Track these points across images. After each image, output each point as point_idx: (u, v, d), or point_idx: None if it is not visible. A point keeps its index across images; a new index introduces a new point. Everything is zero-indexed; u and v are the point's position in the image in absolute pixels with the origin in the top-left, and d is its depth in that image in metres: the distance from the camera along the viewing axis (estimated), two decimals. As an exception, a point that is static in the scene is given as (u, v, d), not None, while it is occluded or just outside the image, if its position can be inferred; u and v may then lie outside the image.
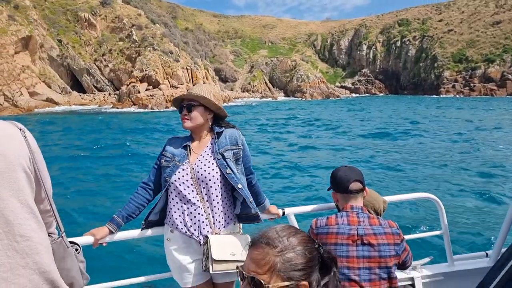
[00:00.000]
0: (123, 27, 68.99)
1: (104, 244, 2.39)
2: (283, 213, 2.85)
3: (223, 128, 2.47)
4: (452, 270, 3.16)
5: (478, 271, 3.04)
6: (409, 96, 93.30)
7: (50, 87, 61.33)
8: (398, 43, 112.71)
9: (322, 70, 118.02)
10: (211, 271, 2.22)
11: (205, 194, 2.35)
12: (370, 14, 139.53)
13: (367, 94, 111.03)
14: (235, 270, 2.02)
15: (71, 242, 1.84)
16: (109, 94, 65.20)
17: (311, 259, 1.18)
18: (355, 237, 2.10)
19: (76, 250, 1.86)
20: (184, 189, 2.33)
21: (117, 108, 54.36)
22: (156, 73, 59.65)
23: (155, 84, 58.95)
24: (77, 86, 66.70)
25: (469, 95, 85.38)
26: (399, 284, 2.17)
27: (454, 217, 7.90)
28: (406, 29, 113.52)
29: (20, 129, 1.55)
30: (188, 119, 2.40)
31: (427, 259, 3.08)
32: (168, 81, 61.04)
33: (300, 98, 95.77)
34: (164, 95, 56.75)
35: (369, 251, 2.08)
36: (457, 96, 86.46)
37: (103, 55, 66.81)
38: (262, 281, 1.13)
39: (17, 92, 53.48)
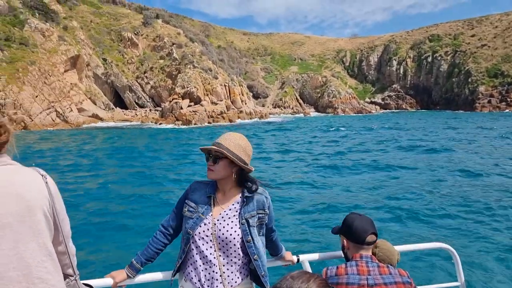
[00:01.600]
0: (164, 46, 71.65)
1: (123, 287, 2.48)
2: (298, 260, 2.86)
3: (253, 193, 2.39)
4: None
5: None
6: (448, 112, 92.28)
7: (95, 103, 64.02)
8: (429, 59, 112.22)
9: (351, 86, 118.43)
10: None
11: (223, 253, 2.33)
12: (399, 30, 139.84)
13: (397, 110, 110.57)
14: None
15: (86, 285, 1.96)
16: (150, 110, 67.48)
17: None
18: (365, 287, 2.09)
19: None
20: (203, 244, 2.32)
21: (161, 123, 56.22)
22: (197, 89, 61.54)
23: (197, 100, 60.75)
24: (119, 102, 69.34)
25: (505, 110, 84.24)
26: None
27: (471, 267, 7.40)
28: (438, 44, 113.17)
29: (42, 175, 1.66)
30: (212, 170, 2.34)
31: None
32: (208, 97, 62.82)
33: (332, 114, 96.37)
34: (206, 111, 58.44)
35: None
36: (493, 111, 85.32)
37: (144, 72, 69.40)
38: None
39: (67, 109, 56.13)
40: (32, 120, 49.85)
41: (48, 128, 49.61)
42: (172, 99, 60.24)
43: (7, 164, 1.59)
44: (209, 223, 2.32)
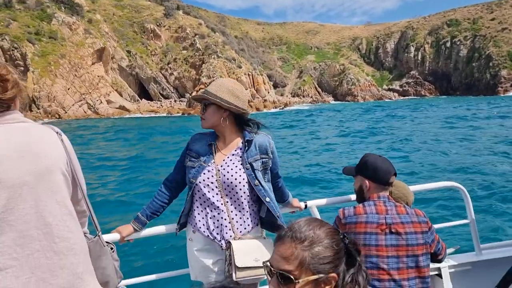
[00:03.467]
0: (186, 37, 71.95)
1: (131, 241, 2.44)
2: (305, 206, 2.82)
3: (253, 135, 2.34)
4: (480, 259, 3.07)
5: (507, 259, 3.00)
6: (479, 97, 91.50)
7: (121, 95, 64.74)
8: (448, 44, 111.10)
9: (368, 73, 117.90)
10: (234, 279, 2.17)
11: (230, 198, 2.29)
12: (415, 16, 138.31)
13: (416, 97, 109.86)
14: (258, 277, 2.22)
15: (106, 242, 1.93)
16: (175, 101, 68.01)
17: (338, 251, 1.19)
18: (383, 226, 2.10)
19: (111, 248, 1.94)
20: (209, 191, 2.28)
21: (189, 114, 56.70)
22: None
23: (223, 90, 61.10)
24: (143, 94, 69.93)
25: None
26: None
27: (481, 205, 7.52)
28: (456, 29, 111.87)
29: (57, 133, 1.62)
30: (203, 119, 2.32)
31: (453, 249, 3.03)
32: (234, 86, 63.16)
33: (352, 101, 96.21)
34: (233, 99, 58.94)
35: (397, 240, 2.08)
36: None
37: (168, 63, 69.85)
38: (292, 277, 1.15)
39: (97, 100, 56.94)
40: (66, 112, 50.75)
41: (80, 118, 50.41)
42: (199, 89, 60.61)
43: (20, 121, 1.53)
44: (212, 169, 2.28)
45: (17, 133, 1.48)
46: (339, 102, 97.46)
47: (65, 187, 1.57)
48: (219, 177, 2.26)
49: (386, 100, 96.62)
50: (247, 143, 2.31)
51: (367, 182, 2.30)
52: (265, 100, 66.37)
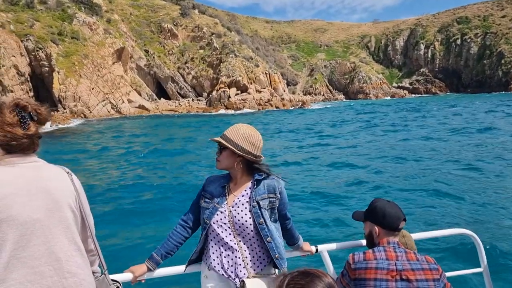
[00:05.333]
0: (203, 36, 72.36)
1: (143, 281, 2.47)
2: (316, 250, 2.82)
3: (263, 176, 2.43)
4: None
5: None
6: (494, 94, 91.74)
7: (140, 94, 65.18)
8: (458, 41, 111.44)
9: (377, 71, 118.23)
10: None
11: (242, 238, 2.38)
12: (424, 13, 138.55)
13: (427, 94, 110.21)
14: None
15: (112, 280, 1.97)
16: (192, 100, 68.49)
17: None
18: (394, 272, 2.08)
19: (117, 287, 1.99)
20: (222, 232, 2.37)
21: (211, 112, 57.23)
22: (242, 78, 62.36)
23: (243, 89, 61.59)
24: (161, 93, 70.41)
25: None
26: None
27: (494, 252, 7.16)
28: (466, 26, 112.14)
29: (68, 173, 1.71)
30: (218, 160, 2.44)
31: None
32: (253, 85, 63.64)
33: (364, 99, 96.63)
34: (254, 98, 59.34)
35: (408, 287, 2.06)
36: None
37: (185, 63, 70.29)
38: None
39: (119, 100, 57.41)
40: (91, 112, 51.23)
41: (104, 117, 50.89)
42: (219, 88, 61.15)
43: (34, 161, 1.64)
44: (225, 211, 2.38)
45: (29, 172, 1.57)
46: (350, 100, 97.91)
47: (74, 224, 1.64)
48: (231, 217, 2.36)
49: (398, 98, 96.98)
50: (256, 182, 2.41)
51: (376, 228, 2.33)
52: (282, 99, 66.80)
